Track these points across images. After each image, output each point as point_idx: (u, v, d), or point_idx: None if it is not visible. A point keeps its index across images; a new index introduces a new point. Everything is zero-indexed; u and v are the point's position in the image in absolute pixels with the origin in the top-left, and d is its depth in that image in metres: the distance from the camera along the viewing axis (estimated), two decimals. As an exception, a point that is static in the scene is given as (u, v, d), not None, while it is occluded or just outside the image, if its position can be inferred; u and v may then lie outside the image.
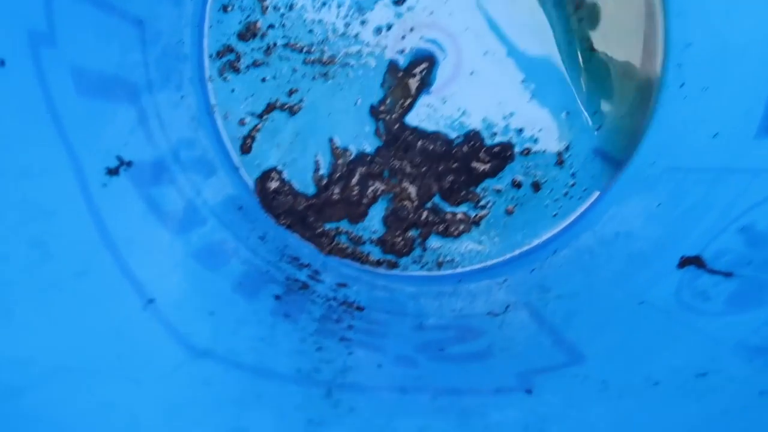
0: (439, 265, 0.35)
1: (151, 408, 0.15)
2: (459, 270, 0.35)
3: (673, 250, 0.25)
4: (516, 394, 0.20)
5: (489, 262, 0.35)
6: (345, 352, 0.22)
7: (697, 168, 0.28)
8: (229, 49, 0.33)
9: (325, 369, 0.20)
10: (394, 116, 0.34)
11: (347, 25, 0.33)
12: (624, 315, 0.23)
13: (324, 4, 0.33)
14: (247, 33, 0.33)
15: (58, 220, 0.17)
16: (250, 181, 0.34)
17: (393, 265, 0.35)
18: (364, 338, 0.24)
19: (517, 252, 0.35)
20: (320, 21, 0.33)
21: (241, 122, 0.34)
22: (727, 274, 0.21)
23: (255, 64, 0.33)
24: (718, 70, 0.28)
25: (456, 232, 0.35)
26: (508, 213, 0.35)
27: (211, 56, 0.33)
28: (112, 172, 0.22)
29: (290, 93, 0.34)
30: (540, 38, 0.33)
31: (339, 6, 0.33)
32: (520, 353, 0.23)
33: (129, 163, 0.23)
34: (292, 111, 0.34)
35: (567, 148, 0.34)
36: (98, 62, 0.23)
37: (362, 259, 0.35)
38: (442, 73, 0.34)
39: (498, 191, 0.34)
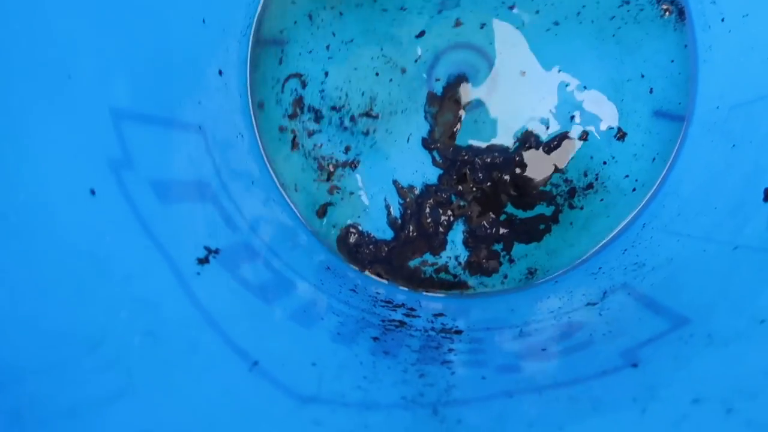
0: (532, 273, 0.35)
1: (269, 452, 0.16)
2: (553, 273, 0.35)
3: (756, 186, 0.24)
4: (622, 371, 0.20)
5: (582, 256, 0.34)
6: (448, 373, 0.23)
7: (760, 97, 0.27)
8: (282, 129, 0.36)
9: (429, 392, 0.21)
10: (446, 142, 0.35)
11: (379, 73, 0.35)
12: (720, 265, 0.22)
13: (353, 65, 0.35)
14: (294, 111, 0.36)
15: (163, 311, 0.20)
16: (332, 242, 0.36)
17: (485, 286, 0.35)
18: (465, 358, 0.25)
19: (606, 238, 0.34)
20: (349, 80, 0.36)
21: (311, 190, 0.36)
22: (815, 194, 0.20)
23: (308, 134, 0.36)
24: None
25: (538, 236, 0.35)
26: (587, 201, 0.34)
27: (266, 140, 0.36)
28: (203, 261, 0.24)
29: (346, 150, 0.36)
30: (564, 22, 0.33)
31: (371, 58, 0.35)
32: (622, 332, 0.23)
33: (216, 251, 0.26)
34: (352, 166, 0.36)
35: (626, 120, 0.33)
36: (172, 171, 0.26)
37: (453, 287, 0.35)
38: (478, 86, 0.35)
39: (569, 182, 0.34)
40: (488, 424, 0.18)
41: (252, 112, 0.36)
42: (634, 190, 0.33)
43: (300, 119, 0.36)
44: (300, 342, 0.23)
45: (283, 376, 0.20)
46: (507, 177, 0.35)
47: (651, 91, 0.33)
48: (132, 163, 0.24)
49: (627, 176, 0.33)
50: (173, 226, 0.25)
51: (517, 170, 0.34)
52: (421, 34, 0.35)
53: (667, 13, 0.32)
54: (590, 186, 0.34)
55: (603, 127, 0.33)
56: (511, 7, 0.34)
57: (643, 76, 0.33)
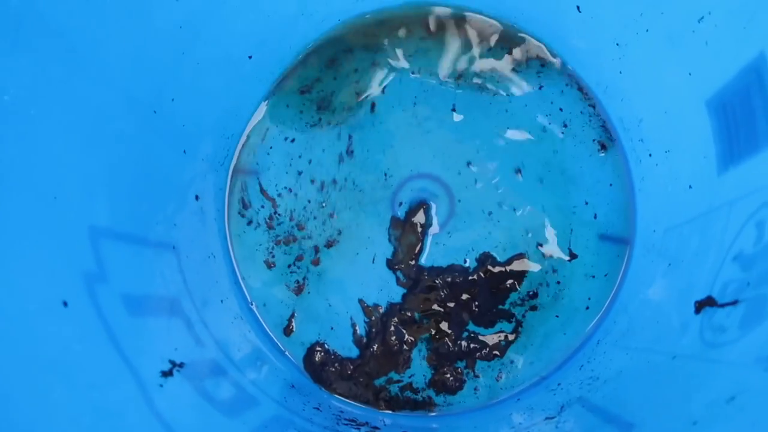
0: (494, 391, 0.35)
1: None
2: (515, 389, 0.35)
3: (689, 300, 0.26)
4: (574, 476, 0.20)
5: (541, 374, 0.35)
6: (408, 486, 0.23)
7: (687, 221, 0.29)
8: (254, 251, 0.38)
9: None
10: (409, 263, 0.37)
11: (347, 192, 0.38)
12: (661, 374, 0.24)
13: (318, 186, 0.38)
14: (267, 232, 0.38)
15: (125, 420, 0.20)
16: (298, 360, 0.36)
17: (448, 404, 0.35)
18: (427, 471, 0.25)
19: (563, 355, 0.35)
20: (319, 202, 0.38)
21: (279, 309, 0.37)
22: (734, 303, 0.22)
23: (276, 255, 0.38)
24: (670, 133, 0.31)
25: (499, 353, 0.36)
26: (544, 319, 0.36)
27: (240, 260, 0.38)
28: (167, 374, 0.25)
29: (314, 270, 0.37)
30: (515, 153, 0.37)
31: (336, 188, 0.38)
32: (575, 441, 0.23)
33: (181, 365, 0.26)
34: (320, 286, 0.37)
35: (575, 244, 0.36)
36: (144, 287, 0.28)
37: (417, 406, 0.35)
38: (439, 212, 0.37)
39: (525, 301, 0.36)
40: None
41: (228, 235, 0.38)
42: (587, 308, 0.35)
43: (272, 240, 0.38)
44: (259, 456, 0.23)
45: (240, 488, 0.20)
46: (467, 296, 0.36)
47: (595, 216, 0.36)
48: (106, 277, 0.25)
49: (581, 294, 0.35)
50: (140, 338, 0.25)
51: (477, 290, 0.36)
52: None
53: (602, 151, 0.36)
54: (547, 304, 0.36)
55: (555, 249, 0.36)
56: (468, 164, 0.37)
57: (587, 203, 0.36)
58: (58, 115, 0.23)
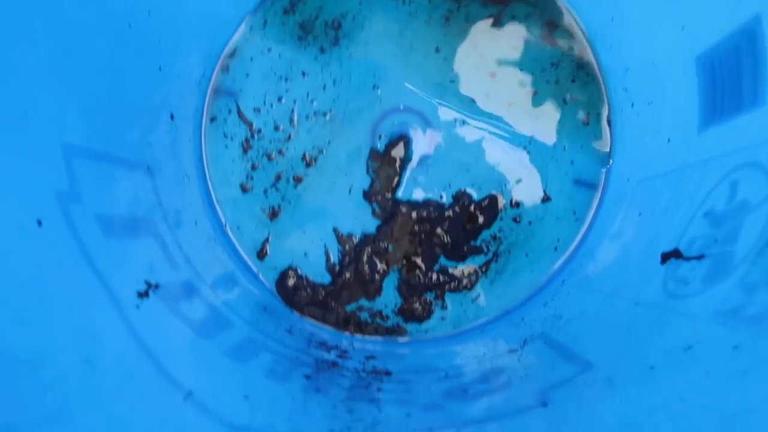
0: (460, 321, 0.37)
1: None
2: (480, 321, 0.37)
3: (655, 251, 0.27)
4: (534, 410, 0.22)
5: (506, 308, 0.37)
6: (375, 410, 0.24)
7: (661, 173, 0.30)
8: (229, 173, 0.37)
9: (357, 426, 0.22)
10: (385, 195, 0.37)
11: (326, 122, 0.38)
12: (622, 318, 0.25)
13: (299, 115, 0.38)
14: (243, 155, 0.38)
15: (102, 340, 0.20)
16: (271, 283, 0.37)
17: (415, 332, 0.37)
18: (393, 396, 0.26)
19: (529, 292, 0.37)
20: (297, 129, 0.38)
21: (253, 232, 0.37)
22: (699, 257, 0.23)
23: (254, 179, 0.37)
24: (655, 84, 0.31)
25: (468, 286, 0.37)
26: (513, 257, 0.37)
27: (215, 182, 0.37)
28: (142, 295, 0.25)
29: (291, 196, 0.37)
30: (500, 91, 0.37)
31: (314, 111, 0.38)
32: (536, 376, 0.25)
33: (156, 286, 0.26)
34: (296, 212, 0.37)
35: (551, 187, 0.36)
36: (118, 207, 0.27)
37: (386, 332, 0.37)
38: (419, 147, 0.37)
39: (497, 239, 0.37)
40: (409, 457, 0.20)
41: (203, 156, 0.37)
42: (555, 249, 0.36)
43: (248, 164, 0.38)
44: (234, 376, 0.24)
45: (216, 406, 0.21)
46: (441, 231, 0.37)
47: (572, 162, 0.36)
48: (80, 197, 0.25)
49: (551, 235, 0.36)
50: (115, 259, 0.25)
51: (451, 225, 0.37)
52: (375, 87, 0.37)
53: (586, 120, 0.36)
54: (517, 243, 0.37)
55: (530, 191, 0.37)
56: (452, 100, 0.37)
57: (565, 148, 0.36)
58: (29, 27, 0.22)
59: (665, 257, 0.26)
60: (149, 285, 0.26)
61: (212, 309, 0.29)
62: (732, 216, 0.23)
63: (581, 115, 0.36)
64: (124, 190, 0.29)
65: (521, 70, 0.37)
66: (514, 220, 0.37)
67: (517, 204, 0.37)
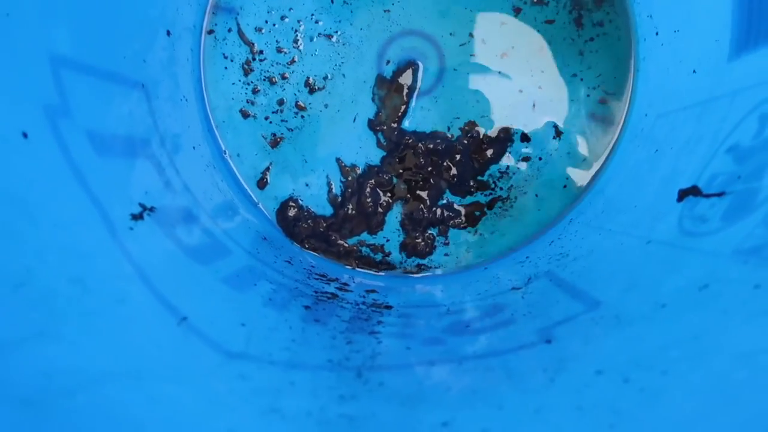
0: (463, 258, 0.36)
1: (193, 399, 0.16)
2: (483, 259, 0.36)
3: (672, 189, 0.26)
4: (537, 346, 0.21)
5: (512, 246, 0.36)
6: (375, 342, 0.24)
7: (683, 107, 0.29)
8: (229, 97, 0.36)
9: (355, 357, 0.22)
10: (391, 125, 0.36)
11: (331, 45, 0.36)
12: (634, 257, 0.24)
13: (304, 36, 0.36)
14: (244, 78, 0.36)
15: (93, 261, 0.20)
16: (271, 214, 0.36)
17: (419, 268, 0.36)
18: (393, 330, 0.26)
19: (535, 230, 0.36)
20: (302, 52, 0.36)
21: (254, 160, 0.36)
22: (720, 194, 0.22)
23: (255, 104, 0.36)
24: (684, 11, 0.29)
25: (473, 222, 0.36)
26: (520, 194, 0.36)
27: (214, 107, 0.36)
28: (137, 217, 0.24)
29: (294, 123, 0.36)
30: (516, 25, 0.35)
31: (318, 33, 0.36)
32: (541, 313, 0.24)
33: (152, 209, 0.25)
34: (298, 140, 0.36)
35: (563, 120, 0.35)
36: (111, 125, 0.26)
37: (388, 267, 0.36)
38: (427, 75, 0.36)
39: (505, 174, 0.35)
40: (408, 387, 0.19)
41: (202, 78, 0.35)
42: (564, 186, 0.35)
43: (249, 88, 0.36)
44: (231, 304, 0.23)
45: (212, 333, 0.20)
46: (447, 164, 0.36)
47: (588, 95, 0.35)
48: (69, 111, 0.23)
49: (561, 172, 0.35)
50: (108, 179, 0.24)
51: (458, 158, 0.36)
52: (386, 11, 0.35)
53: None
54: (525, 180, 0.35)
55: (541, 124, 0.35)
56: (465, 27, 0.34)
57: (582, 79, 0.35)
58: None
59: (683, 194, 0.24)
60: (144, 208, 0.25)
61: (210, 236, 0.29)
62: (759, 151, 0.21)
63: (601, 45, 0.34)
64: (117, 108, 0.27)
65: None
66: (524, 156, 0.35)
67: (528, 138, 0.35)
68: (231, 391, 0.17)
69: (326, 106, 0.36)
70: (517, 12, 0.35)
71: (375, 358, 0.22)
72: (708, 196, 0.23)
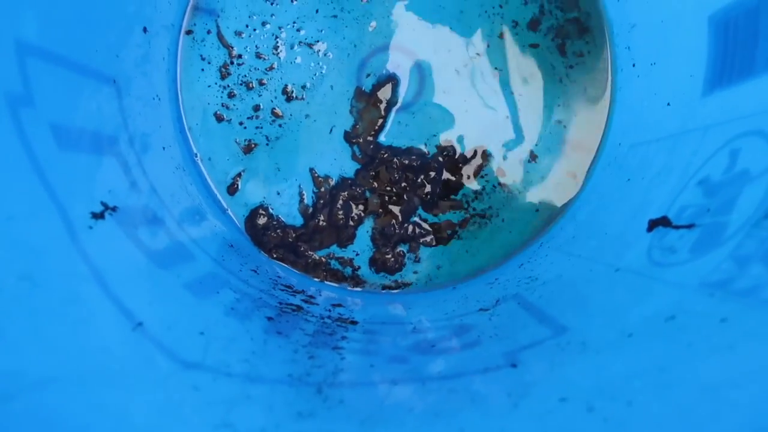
0: (432, 277, 0.36)
1: (142, 409, 0.15)
2: (451, 278, 0.36)
3: (642, 219, 0.26)
4: (502, 370, 0.21)
5: (480, 266, 0.36)
6: (338, 358, 0.23)
7: (656, 138, 0.29)
8: (204, 99, 0.35)
9: (317, 373, 0.21)
10: (367, 138, 0.36)
11: (311, 55, 0.35)
12: (602, 284, 0.24)
13: (284, 44, 0.35)
14: (221, 81, 0.35)
15: (45, 257, 0.19)
16: (239, 220, 0.35)
17: (386, 285, 0.35)
18: (357, 346, 0.25)
19: (505, 252, 0.36)
20: (281, 59, 0.35)
21: (225, 165, 0.35)
22: (689, 226, 0.22)
23: (229, 108, 0.35)
24: (661, 44, 0.30)
25: (444, 241, 0.36)
26: (493, 215, 0.35)
27: (187, 108, 0.35)
28: (97, 216, 0.23)
29: (269, 131, 0.35)
30: (497, 49, 0.35)
31: (299, 41, 0.35)
32: (507, 336, 0.24)
33: (114, 208, 0.24)
34: (272, 148, 0.35)
35: (539, 144, 0.35)
36: (77, 119, 0.25)
37: (355, 282, 0.36)
38: (407, 91, 0.35)
39: (478, 195, 0.35)
40: (369, 407, 0.19)
41: (177, 78, 0.34)
42: (537, 210, 0.35)
43: (225, 91, 0.35)
44: (190, 311, 0.23)
45: (167, 340, 0.19)
46: (421, 181, 0.35)
47: (561, 122, 0.35)
48: (33, 101, 0.22)
49: (534, 195, 0.35)
50: (70, 174, 0.23)
51: (433, 176, 0.35)
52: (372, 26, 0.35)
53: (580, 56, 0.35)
54: (498, 201, 0.35)
55: (518, 149, 0.35)
56: (446, 46, 0.35)
57: (559, 105, 0.35)
58: None
59: (652, 224, 0.25)
60: (106, 207, 0.24)
61: (174, 240, 0.28)
62: (729, 185, 0.22)
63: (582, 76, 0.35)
64: (85, 103, 0.27)
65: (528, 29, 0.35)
66: (498, 177, 0.35)
67: (503, 161, 0.35)
68: (182, 402, 0.16)
69: (303, 115, 0.35)
70: (501, 35, 0.35)
71: (337, 375, 0.21)
72: (677, 227, 0.23)
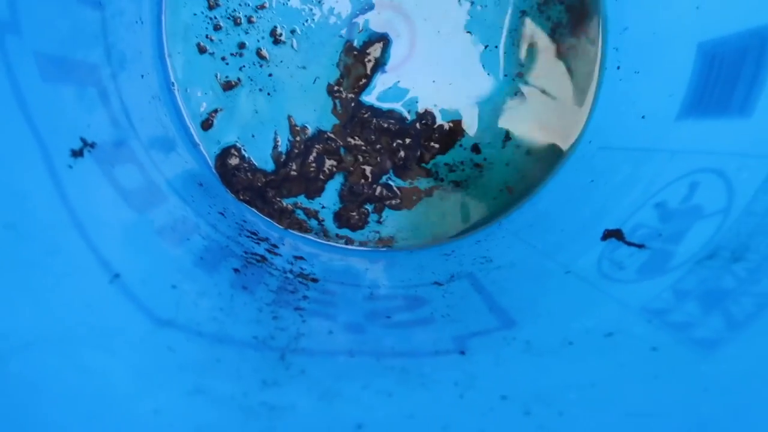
0: (392, 239, 0.37)
1: (123, 372, 0.16)
2: (410, 243, 0.37)
3: (599, 224, 0.28)
4: (451, 355, 0.23)
5: (440, 235, 0.37)
6: (299, 320, 0.24)
7: (626, 148, 0.30)
8: (188, 28, 0.34)
9: (280, 336, 0.22)
10: (350, 95, 0.36)
11: (306, 1, 0.34)
12: (552, 283, 0.26)
13: (281, -15, 0.34)
14: (208, 9, 0.34)
15: (29, 203, 0.19)
16: (211, 158, 0.35)
17: (348, 240, 0.37)
18: (317, 308, 0.26)
19: (465, 225, 0.37)
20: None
21: (202, 99, 0.35)
22: (640, 246, 0.24)
23: (215, 41, 0.34)
24: (648, 55, 0.31)
25: (409, 206, 0.37)
26: (459, 188, 0.37)
27: (170, 34, 0.34)
28: (77, 153, 0.23)
29: (251, 70, 0.35)
30: (493, 26, 0.35)
31: (295, -13, 0.34)
32: (458, 319, 0.26)
33: (92, 144, 0.24)
34: (251, 89, 0.35)
35: (516, 128, 0.36)
36: (61, 47, 0.24)
37: (318, 233, 0.37)
38: (397, 53, 0.35)
39: (449, 167, 0.36)
40: (329, 380, 0.20)
41: (162, 1, 0.33)
42: (501, 191, 0.37)
43: (211, 23, 0.34)
44: (163, 261, 0.23)
45: (143, 294, 0.20)
46: (397, 145, 0.36)
47: (543, 109, 0.36)
48: (20, 28, 0.21)
49: (502, 176, 0.36)
50: (51, 107, 0.23)
51: (408, 142, 0.36)
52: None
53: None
54: (467, 176, 0.36)
55: (494, 127, 0.36)
56: (442, 14, 0.34)
57: (543, 91, 0.36)
58: None
59: (607, 234, 0.26)
60: (85, 143, 0.24)
61: (147, 178, 0.28)
62: (682, 216, 0.23)
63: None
64: (70, 27, 0.25)
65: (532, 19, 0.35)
66: (472, 151, 0.36)
67: (479, 137, 0.36)
68: (159, 366, 0.17)
69: (289, 61, 0.35)
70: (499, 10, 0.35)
71: (298, 340, 0.22)
72: (629, 244, 0.25)
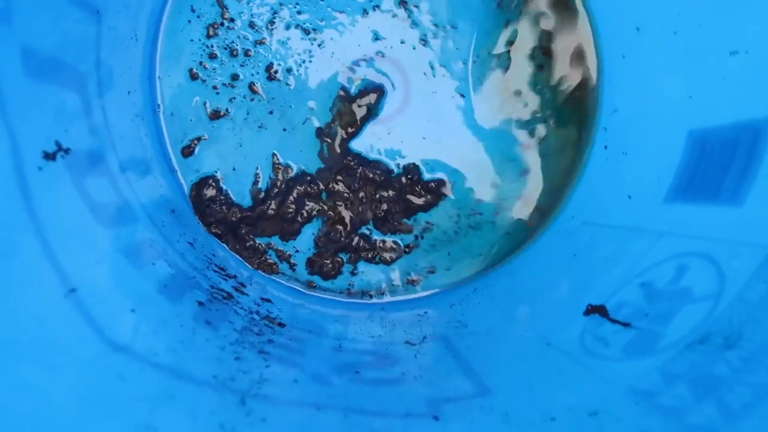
0: (364, 293, 0.36)
1: (65, 394, 0.14)
2: (383, 299, 0.36)
3: (581, 299, 0.27)
4: (424, 419, 0.21)
5: (412, 295, 0.36)
6: (263, 365, 0.23)
7: (610, 225, 0.30)
8: (183, 52, 0.33)
9: (242, 378, 0.21)
10: (338, 140, 0.35)
11: (305, 41, 0.34)
12: (531, 354, 0.25)
13: (281, 22, 0.34)
14: (206, 37, 0.34)
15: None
16: (187, 186, 0.34)
17: (318, 288, 0.35)
18: (282, 353, 0.25)
19: (440, 288, 0.36)
20: (274, 36, 0.34)
21: (187, 125, 0.34)
22: (626, 325, 0.23)
23: (206, 68, 0.34)
24: (637, 138, 0.31)
25: (384, 261, 0.36)
26: (437, 248, 0.36)
27: (164, 56, 0.33)
28: (49, 156, 0.21)
29: (240, 103, 0.34)
30: (489, 88, 0.35)
31: (299, 24, 0.34)
32: (432, 382, 0.24)
33: (67, 150, 0.23)
34: (239, 122, 0.34)
35: (499, 194, 0.36)
36: (51, 46, 0.23)
37: (289, 278, 0.35)
38: (390, 105, 0.35)
39: (429, 225, 0.36)
40: (292, 431, 0.18)
41: (162, 21, 0.32)
42: (480, 255, 0.36)
43: (207, 51, 0.34)
44: (125, 281, 0.21)
45: (99, 314, 0.18)
46: (379, 197, 0.35)
47: (526, 181, 0.36)
48: (11, 18, 0.20)
49: (481, 241, 0.36)
50: (30, 104, 0.21)
51: (391, 194, 0.35)
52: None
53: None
54: (446, 237, 0.36)
55: (480, 190, 0.36)
56: (434, 69, 0.35)
57: (529, 163, 0.36)
58: None
59: (590, 310, 0.26)
60: (59, 147, 0.22)
61: (119, 195, 0.26)
62: (670, 298, 0.23)
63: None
64: (63, 27, 0.24)
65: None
66: (454, 212, 0.36)
67: (463, 200, 0.36)
68: (106, 394, 0.15)
69: (281, 98, 0.34)
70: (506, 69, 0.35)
71: (261, 385, 0.21)
72: (614, 321, 0.24)
